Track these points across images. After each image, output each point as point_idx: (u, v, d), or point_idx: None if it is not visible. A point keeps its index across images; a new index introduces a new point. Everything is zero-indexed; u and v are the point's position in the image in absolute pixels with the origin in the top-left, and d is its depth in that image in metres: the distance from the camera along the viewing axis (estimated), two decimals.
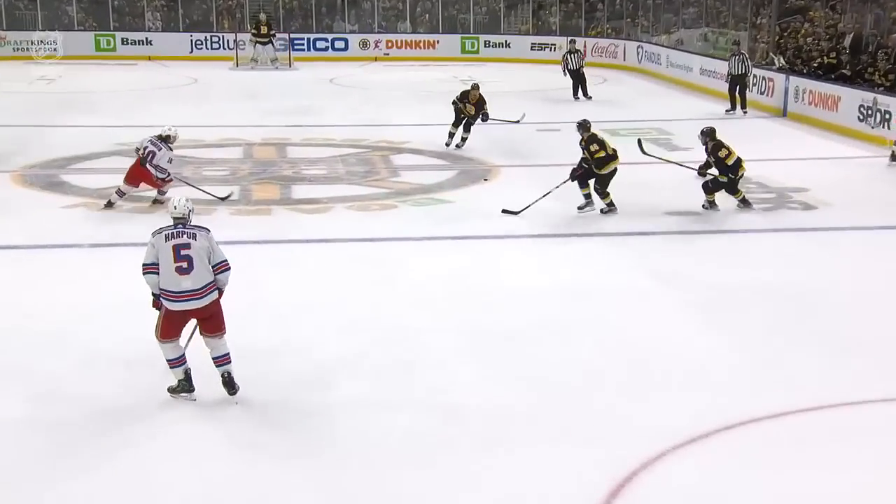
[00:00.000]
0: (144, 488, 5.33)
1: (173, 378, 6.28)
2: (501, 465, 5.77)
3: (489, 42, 34.36)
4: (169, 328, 6.32)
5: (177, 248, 6.34)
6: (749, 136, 16.96)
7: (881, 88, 18.56)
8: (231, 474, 5.44)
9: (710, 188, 11.87)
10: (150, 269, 6.32)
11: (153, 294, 6.26)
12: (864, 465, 5.38)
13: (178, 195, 8.07)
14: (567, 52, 23.61)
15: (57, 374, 6.76)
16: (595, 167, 11.55)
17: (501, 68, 31.55)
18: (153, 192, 12.67)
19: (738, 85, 20.76)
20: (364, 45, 33.33)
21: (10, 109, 21.60)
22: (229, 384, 6.46)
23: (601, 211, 11.88)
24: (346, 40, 33.67)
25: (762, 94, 21.78)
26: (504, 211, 11.43)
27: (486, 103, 16.46)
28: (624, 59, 30.76)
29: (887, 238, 11.46)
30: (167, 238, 6.39)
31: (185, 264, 6.26)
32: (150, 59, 31.06)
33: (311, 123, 20.15)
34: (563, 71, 23.55)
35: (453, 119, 16.43)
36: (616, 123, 19.33)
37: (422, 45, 33.08)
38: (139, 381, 6.63)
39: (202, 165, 14.88)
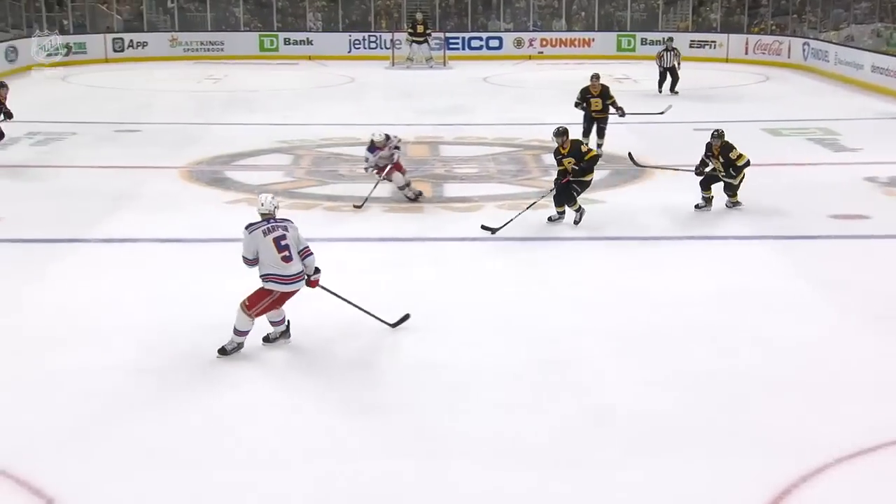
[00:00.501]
0: (233, 426, 6.34)
1: (233, 343, 7.36)
2: (651, 470, 5.69)
3: (646, 40, 33.53)
4: (270, 308, 7.43)
5: (276, 241, 7.38)
6: None
7: None
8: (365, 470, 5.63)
9: (707, 184, 11.90)
10: (252, 262, 7.43)
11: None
12: None
13: (263, 194, 8.66)
14: (663, 50, 23.70)
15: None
16: (585, 171, 11.13)
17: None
18: (297, 190, 13.71)
19: None
20: (518, 43, 33.58)
21: (179, 107, 23.03)
22: (288, 332, 7.92)
23: (575, 222, 11.35)
24: (500, 39, 33.95)
25: None
26: (483, 227, 11.01)
27: (609, 90, 15.90)
28: (788, 57, 29.90)
29: None
30: (265, 233, 7.40)
31: (287, 253, 7.34)
32: (310, 58, 32.12)
33: (463, 122, 20.42)
34: (658, 66, 23.69)
35: (582, 127, 15.56)
36: (779, 123, 19.27)
37: (577, 43, 33.05)
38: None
39: (356, 163, 15.12)
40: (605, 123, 16.00)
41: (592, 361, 7.57)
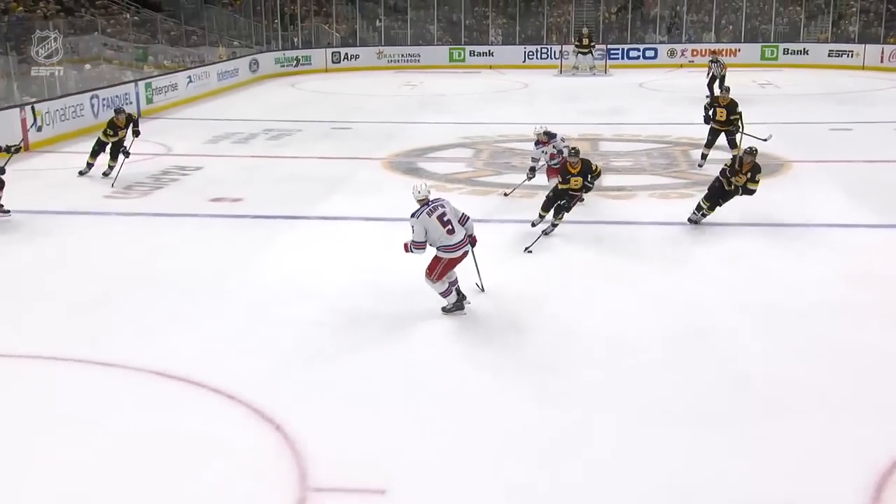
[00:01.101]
0: (406, 376, 6.72)
1: (446, 303, 7.92)
2: (783, 433, 5.69)
3: (788, 50, 33.96)
4: (445, 271, 7.88)
5: (440, 218, 7.83)
6: None
7: None
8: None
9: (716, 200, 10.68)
10: (421, 245, 7.80)
11: (413, 250, 7.78)
12: None
13: (416, 182, 9.44)
14: (711, 61, 22.98)
15: (399, 316, 8.08)
16: (590, 189, 10.51)
17: (798, 73, 31.25)
18: (476, 178, 14.31)
19: None
20: (671, 53, 34.02)
21: (382, 109, 24.43)
22: (461, 304, 8.14)
23: (546, 232, 10.53)
24: (655, 49, 34.56)
25: None
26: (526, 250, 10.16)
27: (737, 107, 14.82)
28: None
29: None
30: (429, 214, 7.83)
31: (450, 226, 7.78)
32: (490, 67, 33.63)
33: (620, 122, 20.65)
34: (707, 76, 22.77)
35: (706, 139, 14.84)
36: None
37: (724, 53, 31.22)
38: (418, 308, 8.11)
39: (526, 157, 15.26)
40: (732, 136, 15.07)
41: (731, 332, 7.57)
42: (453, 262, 8.09)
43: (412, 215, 7.88)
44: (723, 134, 14.87)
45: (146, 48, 23.69)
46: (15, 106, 16.55)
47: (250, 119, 21.53)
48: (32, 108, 16.23)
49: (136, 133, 14.06)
